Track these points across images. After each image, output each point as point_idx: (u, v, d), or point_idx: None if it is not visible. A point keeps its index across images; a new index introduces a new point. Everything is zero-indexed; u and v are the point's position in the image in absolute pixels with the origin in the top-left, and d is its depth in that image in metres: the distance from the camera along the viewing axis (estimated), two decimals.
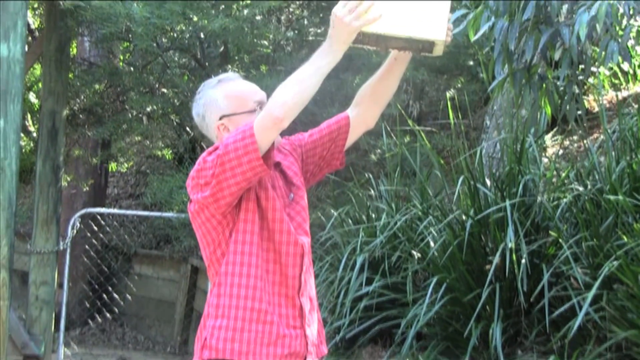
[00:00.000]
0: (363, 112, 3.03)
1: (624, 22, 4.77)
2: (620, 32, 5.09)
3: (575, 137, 6.67)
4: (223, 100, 2.84)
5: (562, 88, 5.23)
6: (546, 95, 5.26)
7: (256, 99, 2.84)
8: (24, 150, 10.73)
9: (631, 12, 4.53)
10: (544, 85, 5.12)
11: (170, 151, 9.79)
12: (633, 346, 4.30)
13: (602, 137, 6.14)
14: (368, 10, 2.57)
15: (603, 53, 4.49)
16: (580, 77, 5.17)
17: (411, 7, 2.59)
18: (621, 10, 4.47)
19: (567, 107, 5.10)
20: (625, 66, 7.52)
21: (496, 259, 4.74)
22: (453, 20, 4.84)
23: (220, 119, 2.83)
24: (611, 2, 4.28)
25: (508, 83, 5.14)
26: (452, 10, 3.85)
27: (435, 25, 2.61)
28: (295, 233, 2.76)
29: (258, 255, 2.72)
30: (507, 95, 5.92)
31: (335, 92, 7.14)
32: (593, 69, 7.62)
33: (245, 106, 2.83)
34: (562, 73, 4.81)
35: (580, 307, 4.31)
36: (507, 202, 4.86)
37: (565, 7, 4.67)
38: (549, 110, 5.43)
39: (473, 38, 4.76)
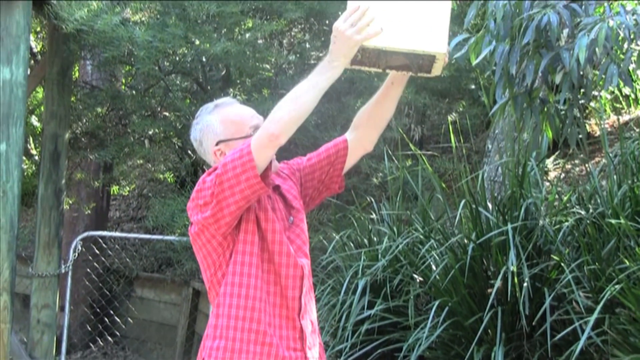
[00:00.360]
0: (361, 136, 3.04)
1: (625, 45, 4.79)
2: (622, 56, 5.11)
3: (577, 161, 6.67)
4: (219, 126, 2.85)
5: (563, 112, 5.24)
6: (547, 119, 5.27)
7: (252, 124, 2.84)
8: (26, 174, 10.72)
9: (632, 36, 4.55)
10: (545, 109, 5.13)
11: (172, 174, 9.79)
12: None
13: (603, 160, 6.15)
14: (369, 24, 2.58)
15: (603, 76, 4.50)
16: (581, 101, 5.18)
17: (411, 21, 2.60)
18: (622, 35, 4.49)
19: (569, 130, 5.11)
20: (627, 90, 7.54)
21: (498, 283, 4.73)
22: (454, 44, 4.87)
23: (217, 144, 2.85)
24: (611, 25, 4.30)
25: (509, 107, 5.15)
26: (454, 35, 3.84)
27: (436, 38, 2.62)
28: (295, 255, 2.76)
29: (257, 277, 2.72)
30: (509, 119, 5.93)
31: (337, 116, 7.16)
32: (595, 92, 7.64)
33: (241, 131, 2.83)
34: (562, 97, 4.83)
35: (583, 331, 4.30)
36: (509, 226, 4.85)
37: (565, 31, 4.68)
38: (550, 134, 5.44)
39: (474, 62, 4.78)
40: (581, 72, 4.67)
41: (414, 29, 2.60)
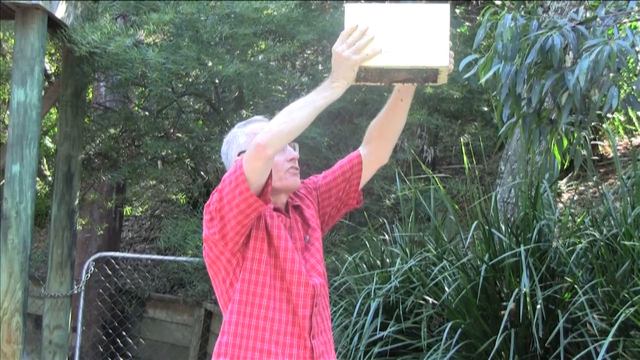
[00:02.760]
0: (375, 149, 3.03)
1: (638, 67, 4.79)
2: (634, 78, 5.10)
3: (590, 183, 6.66)
4: (243, 137, 2.87)
5: (572, 133, 5.24)
6: (555, 140, 5.27)
7: None
8: (39, 194, 10.75)
9: (638, 56, 4.55)
10: (554, 129, 5.13)
11: (185, 195, 9.81)
12: None
13: (617, 182, 6.13)
14: (368, 45, 2.57)
15: (603, 99, 4.51)
16: (583, 123, 5.18)
17: (411, 37, 2.58)
18: (631, 58, 4.50)
19: (575, 152, 5.12)
20: None
21: (511, 304, 4.72)
22: (464, 65, 4.88)
23: (239, 154, 2.84)
24: (612, 46, 4.30)
25: (519, 127, 5.15)
26: (463, 54, 3.83)
27: (437, 52, 2.60)
28: (306, 274, 2.75)
29: (265, 295, 2.71)
30: (521, 141, 5.92)
31: (349, 137, 7.16)
32: (609, 115, 7.63)
33: None
34: (564, 118, 4.83)
35: (597, 354, 4.28)
36: (522, 248, 4.84)
37: (571, 52, 4.69)
38: (558, 155, 5.44)
39: (480, 81, 4.79)
40: (584, 94, 4.68)
41: (414, 44, 2.58)
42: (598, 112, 5.03)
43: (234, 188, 2.61)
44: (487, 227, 5.13)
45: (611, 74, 4.52)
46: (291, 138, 2.67)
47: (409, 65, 2.61)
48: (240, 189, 2.59)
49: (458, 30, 8.75)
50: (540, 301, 4.62)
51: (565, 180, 6.96)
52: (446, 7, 2.63)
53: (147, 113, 8.25)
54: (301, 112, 2.62)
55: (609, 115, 7.66)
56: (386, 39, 2.58)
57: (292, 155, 2.85)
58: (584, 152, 5.47)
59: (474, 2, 9.85)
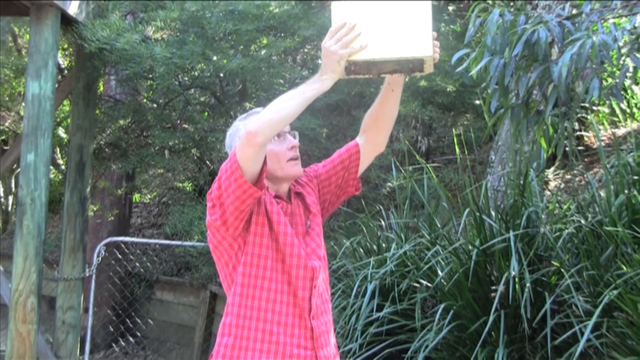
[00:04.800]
0: (372, 139, 3.03)
1: (622, 60, 4.78)
2: (616, 72, 5.09)
3: (576, 172, 6.65)
4: (243, 129, 2.86)
5: (557, 124, 5.24)
6: (542, 130, 5.27)
7: None
8: (53, 182, 10.76)
9: (622, 51, 4.54)
10: (541, 120, 5.13)
11: (191, 183, 9.80)
12: None
13: (601, 171, 6.13)
14: (354, 40, 2.57)
15: (586, 89, 4.52)
16: (567, 114, 5.18)
17: (395, 31, 2.59)
18: (612, 50, 4.49)
19: (559, 142, 5.12)
20: (624, 105, 7.53)
21: (500, 287, 4.72)
22: (456, 59, 4.88)
23: None
24: (594, 38, 4.30)
25: (508, 118, 5.15)
26: (456, 50, 3.79)
27: (420, 42, 2.60)
28: (305, 257, 2.75)
29: (267, 278, 2.72)
30: (510, 131, 5.92)
31: (347, 128, 7.16)
32: (594, 107, 7.62)
33: None
34: (549, 109, 4.84)
35: (582, 334, 4.28)
36: (511, 233, 4.84)
37: (557, 46, 4.68)
38: (544, 145, 5.44)
39: (471, 72, 4.79)
40: (568, 86, 4.68)
41: (399, 37, 2.59)
42: (583, 104, 5.04)
43: (229, 176, 2.62)
44: (478, 214, 5.13)
45: (594, 67, 4.52)
46: (281, 127, 2.67)
47: (395, 57, 2.62)
48: (235, 176, 2.60)
49: (451, 26, 8.73)
50: (528, 284, 4.62)
51: (552, 169, 6.97)
52: (427, 3, 2.64)
53: (155, 105, 8.24)
54: (291, 102, 2.63)
55: (594, 107, 7.65)
56: (372, 34, 2.60)
57: (293, 143, 2.85)
58: (567, 142, 5.48)
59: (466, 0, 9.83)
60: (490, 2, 9.23)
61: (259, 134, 2.56)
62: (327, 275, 2.91)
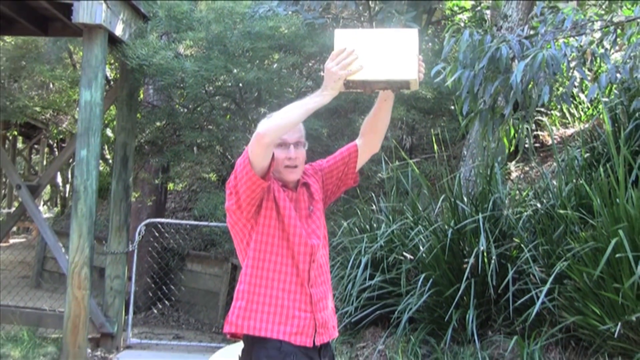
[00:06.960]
0: (368, 141, 3.04)
1: (570, 72, 4.79)
2: (566, 82, 5.09)
3: (533, 164, 6.65)
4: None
5: (517, 125, 5.26)
6: (504, 130, 5.29)
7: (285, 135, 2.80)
8: (101, 174, 10.76)
9: (571, 65, 4.56)
10: (505, 122, 5.15)
11: (215, 174, 9.79)
12: (579, 328, 4.28)
13: (554, 164, 6.13)
14: (352, 63, 2.58)
15: (539, 95, 4.54)
16: (526, 117, 5.20)
17: (386, 57, 2.59)
18: (568, 62, 4.50)
19: (519, 140, 5.16)
20: (573, 109, 7.52)
21: (471, 260, 4.73)
22: (434, 72, 4.88)
23: None
24: (544, 52, 4.32)
25: (477, 120, 5.17)
26: (434, 64, 3.77)
27: (407, 67, 2.60)
28: (306, 236, 2.77)
29: (274, 253, 2.75)
30: (480, 131, 5.93)
31: (345, 128, 7.16)
32: (548, 111, 7.60)
33: None
34: (506, 111, 4.87)
35: (538, 298, 4.31)
36: (480, 215, 4.85)
37: (516, 60, 4.70)
38: (506, 142, 5.45)
39: (447, 83, 4.81)
40: (525, 92, 4.71)
41: (389, 62, 2.59)
42: (539, 108, 5.04)
43: (242, 169, 2.64)
44: (453, 200, 5.14)
45: (546, 76, 4.54)
46: (286, 131, 2.68)
47: (385, 79, 2.62)
48: (246, 170, 2.63)
49: (429, 45, 8.70)
50: (494, 257, 4.63)
51: (513, 162, 6.96)
52: (415, 31, 2.64)
53: (185, 110, 8.22)
54: (296, 111, 2.64)
55: (548, 111, 7.64)
56: (367, 58, 2.59)
57: (290, 155, 2.83)
58: (526, 140, 5.48)
59: (443, 22, 9.81)
60: (462, 23, 9.22)
61: (266, 136, 2.58)
62: (327, 251, 2.92)
